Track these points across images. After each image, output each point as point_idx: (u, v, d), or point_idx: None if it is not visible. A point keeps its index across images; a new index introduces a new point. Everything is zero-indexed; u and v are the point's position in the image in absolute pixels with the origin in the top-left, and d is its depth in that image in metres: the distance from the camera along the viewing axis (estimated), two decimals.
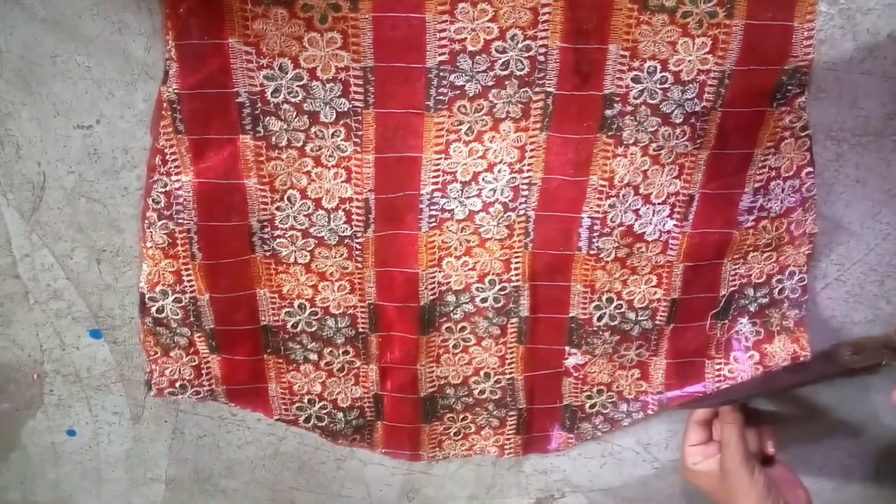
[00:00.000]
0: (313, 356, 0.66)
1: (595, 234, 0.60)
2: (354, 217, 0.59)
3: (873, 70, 0.55)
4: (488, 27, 0.52)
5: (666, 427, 0.73)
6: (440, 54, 0.53)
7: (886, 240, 0.63)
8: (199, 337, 0.64)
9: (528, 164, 0.58)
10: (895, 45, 0.54)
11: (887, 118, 0.57)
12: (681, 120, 0.55)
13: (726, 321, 0.65)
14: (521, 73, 0.54)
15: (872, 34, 0.54)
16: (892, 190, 0.61)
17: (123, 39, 0.53)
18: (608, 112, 0.55)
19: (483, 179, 0.58)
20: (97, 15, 0.52)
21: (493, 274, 0.62)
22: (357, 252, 0.60)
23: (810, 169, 0.59)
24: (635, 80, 0.54)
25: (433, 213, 0.59)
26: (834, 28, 0.53)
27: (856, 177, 0.60)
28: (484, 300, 0.64)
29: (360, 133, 0.56)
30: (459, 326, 0.65)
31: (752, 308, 0.65)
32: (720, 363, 0.67)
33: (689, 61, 0.53)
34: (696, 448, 0.66)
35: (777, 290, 0.64)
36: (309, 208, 0.58)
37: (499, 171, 0.58)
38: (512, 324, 0.65)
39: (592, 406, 0.69)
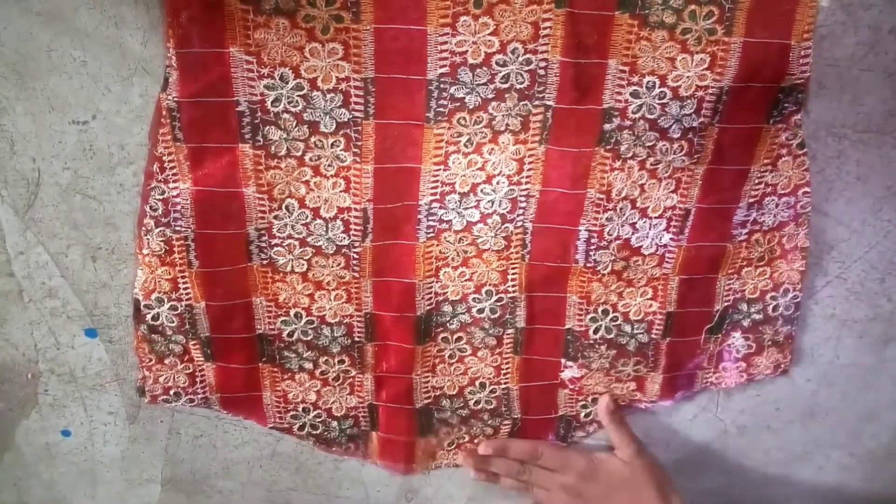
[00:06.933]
0: (308, 365, 0.66)
1: (592, 247, 0.60)
2: (352, 227, 0.59)
3: (874, 66, 0.55)
4: (489, 40, 0.53)
5: (665, 426, 0.73)
6: (441, 66, 0.53)
7: (887, 237, 0.63)
8: (194, 345, 0.64)
9: (527, 177, 0.58)
10: None
11: (888, 115, 0.57)
12: (678, 135, 0.56)
13: (719, 335, 0.66)
14: (521, 86, 0.54)
15: (874, 30, 0.53)
16: (894, 187, 0.61)
17: (120, 34, 0.53)
18: (607, 126, 0.55)
19: (481, 191, 0.58)
20: (93, 9, 0.52)
21: (489, 284, 0.62)
22: (354, 261, 0.61)
23: (807, 188, 0.59)
24: (634, 94, 0.54)
25: (431, 223, 0.60)
26: (835, 24, 0.53)
27: (857, 174, 0.60)
28: (480, 311, 0.64)
29: (359, 143, 0.56)
30: (455, 337, 0.65)
31: (745, 323, 0.65)
32: (709, 372, 0.68)
33: (688, 77, 0.53)
34: None
35: (771, 307, 0.64)
36: (307, 217, 0.59)
37: (497, 183, 0.58)
38: (508, 334, 0.65)
39: (587, 415, 0.69)
